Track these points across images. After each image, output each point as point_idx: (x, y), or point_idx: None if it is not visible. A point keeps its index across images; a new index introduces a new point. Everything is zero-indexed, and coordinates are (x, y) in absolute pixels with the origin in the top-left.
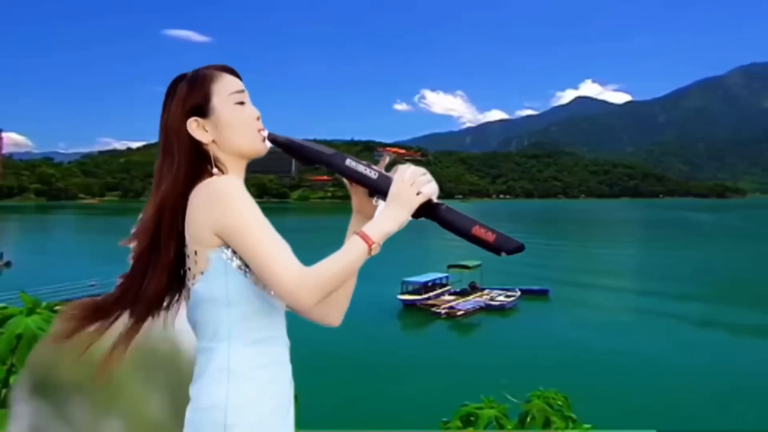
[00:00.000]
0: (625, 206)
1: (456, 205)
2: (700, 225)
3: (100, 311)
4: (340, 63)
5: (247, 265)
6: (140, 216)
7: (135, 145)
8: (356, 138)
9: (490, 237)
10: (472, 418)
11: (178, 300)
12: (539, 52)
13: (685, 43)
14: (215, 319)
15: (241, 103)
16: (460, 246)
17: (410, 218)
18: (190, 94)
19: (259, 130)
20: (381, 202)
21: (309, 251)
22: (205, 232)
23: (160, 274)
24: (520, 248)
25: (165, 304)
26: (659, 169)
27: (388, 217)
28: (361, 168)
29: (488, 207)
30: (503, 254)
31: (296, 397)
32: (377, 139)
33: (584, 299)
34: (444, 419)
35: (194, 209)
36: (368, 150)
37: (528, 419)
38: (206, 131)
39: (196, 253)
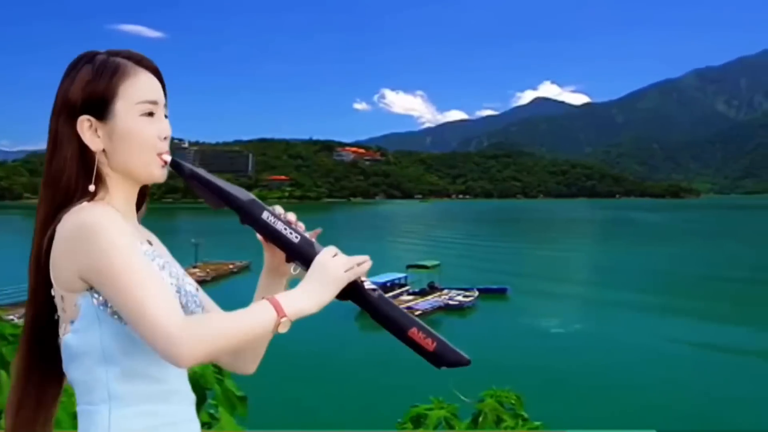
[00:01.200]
0: (583, 206)
1: (415, 205)
2: (654, 225)
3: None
4: (299, 62)
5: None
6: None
7: None
8: (315, 137)
9: (429, 344)
10: (421, 420)
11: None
12: (499, 53)
13: (641, 45)
14: (91, 377)
15: (150, 114)
16: (419, 245)
17: (332, 299)
18: (92, 84)
19: (160, 154)
20: (300, 270)
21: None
22: (69, 275)
23: (32, 318)
24: (463, 363)
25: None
26: (616, 169)
27: (307, 293)
28: (279, 226)
29: (448, 207)
30: (443, 367)
31: (245, 398)
32: (336, 139)
33: (542, 298)
34: (399, 420)
35: (56, 246)
36: (328, 149)
37: (480, 418)
38: (98, 137)
39: (62, 298)
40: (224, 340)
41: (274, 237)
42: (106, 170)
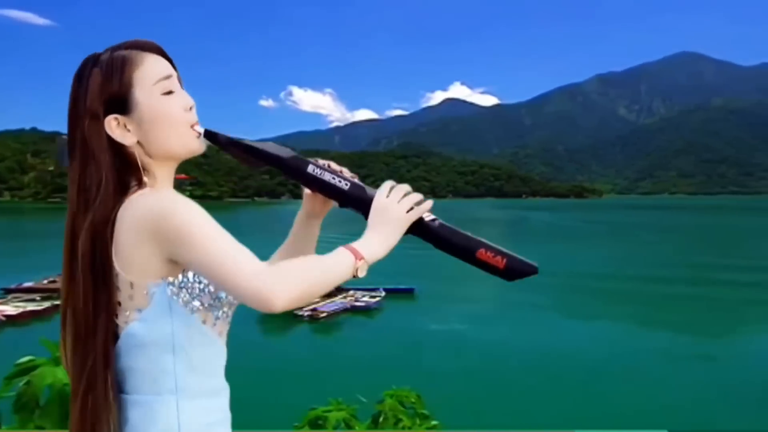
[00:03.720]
0: (490, 206)
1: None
2: (557, 224)
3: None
4: (202, 56)
5: (194, 302)
6: (65, 245)
7: None
8: None
9: (499, 262)
10: (320, 422)
11: None
12: (409, 53)
13: (547, 50)
14: (157, 367)
15: (170, 92)
16: (325, 245)
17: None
18: (107, 85)
19: (192, 125)
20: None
21: None
22: (152, 260)
23: (107, 319)
24: (532, 271)
25: None
26: (523, 170)
27: (377, 238)
28: (327, 177)
29: None
30: (516, 280)
31: None
32: (240, 136)
33: (450, 296)
34: (296, 424)
35: (128, 236)
36: None
37: (381, 419)
38: (128, 131)
39: (132, 285)
40: (314, 282)
41: (324, 187)
42: (146, 159)
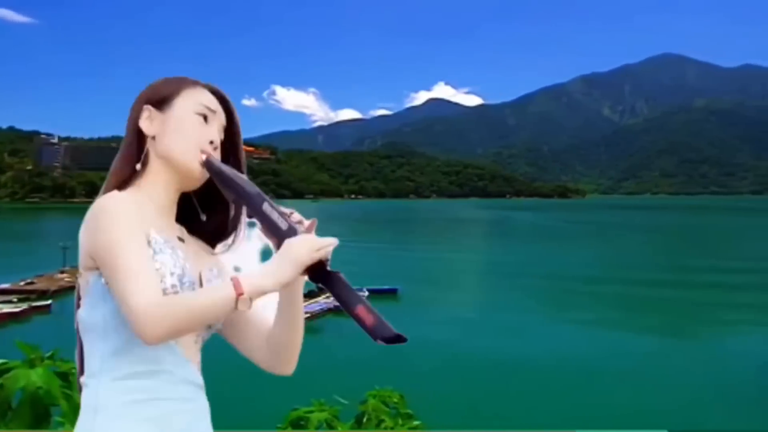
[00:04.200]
0: (473, 206)
1: (307, 205)
2: (541, 224)
3: None
4: (187, 58)
5: None
6: None
7: None
8: None
9: (368, 321)
10: (302, 423)
11: None
12: (393, 53)
13: (532, 50)
14: (91, 350)
15: (204, 117)
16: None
17: (295, 278)
18: (161, 84)
19: (201, 149)
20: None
21: None
22: (84, 252)
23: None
24: (398, 339)
25: None
26: (507, 170)
27: (270, 271)
28: (274, 216)
29: (339, 207)
30: (379, 342)
31: None
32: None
33: (433, 297)
34: (279, 425)
35: (82, 225)
36: None
37: (365, 419)
38: (152, 123)
39: (81, 275)
40: (185, 317)
41: (268, 224)
42: (152, 156)
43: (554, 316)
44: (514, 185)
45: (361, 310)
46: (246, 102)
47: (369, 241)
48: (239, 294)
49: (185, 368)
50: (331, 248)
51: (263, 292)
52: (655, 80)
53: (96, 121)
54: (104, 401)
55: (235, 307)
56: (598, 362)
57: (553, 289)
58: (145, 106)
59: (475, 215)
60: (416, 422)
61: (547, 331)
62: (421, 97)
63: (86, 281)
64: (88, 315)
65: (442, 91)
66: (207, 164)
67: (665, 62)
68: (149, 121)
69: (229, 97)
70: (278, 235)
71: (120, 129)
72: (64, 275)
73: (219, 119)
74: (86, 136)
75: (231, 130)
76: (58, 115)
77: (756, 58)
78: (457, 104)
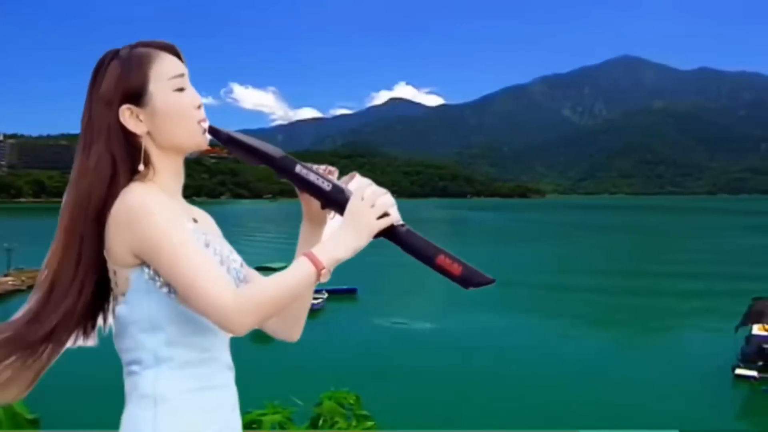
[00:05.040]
0: (434, 206)
1: (265, 205)
2: (498, 224)
3: (18, 340)
4: None
5: (170, 285)
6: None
7: None
8: None
9: (455, 269)
10: (254, 425)
11: (105, 321)
12: (354, 52)
13: (493, 51)
14: (138, 344)
15: (181, 89)
16: (268, 247)
17: (367, 244)
18: (125, 77)
19: (200, 121)
20: (337, 217)
21: None
22: (122, 251)
23: (78, 291)
24: (488, 282)
25: (91, 323)
26: (468, 170)
27: (343, 241)
28: (312, 177)
29: (298, 207)
30: (471, 288)
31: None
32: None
33: (392, 297)
34: None
35: (111, 226)
36: None
37: (320, 422)
38: (140, 121)
39: (115, 273)
40: (271, 304)
41: (309, 187)
42: (153, 150)
43: (512, 316)
44: (475, 185)
45: (443, 260)
46: (203, 100)
47: None
48: (320, 269)
49: (227, 353)
50: (395, 208)
51: (340, 262)
52: (613, 82)
53: (44, 118)
54: (162, 391)
55: (318, 281)
56: (556, 363)
57: (511, 289)
58: (125, 106)
59: (436, 215)
60: (370, 423)
61: (504, 331)
62: (382, 97)
63: (125, 278)
64: (131, 310)
65: (404, 91)
66: (213, 133)
67: (623, 64)
68: (135, 120)
69: (171, 43)
70: (325, 197)
71: (71, 126)
72: (9, 278)
73: (186, 74)
74: (35, 134)
75: None
76: (3, 111)
77: (712, 62)
78: (418, 104)
